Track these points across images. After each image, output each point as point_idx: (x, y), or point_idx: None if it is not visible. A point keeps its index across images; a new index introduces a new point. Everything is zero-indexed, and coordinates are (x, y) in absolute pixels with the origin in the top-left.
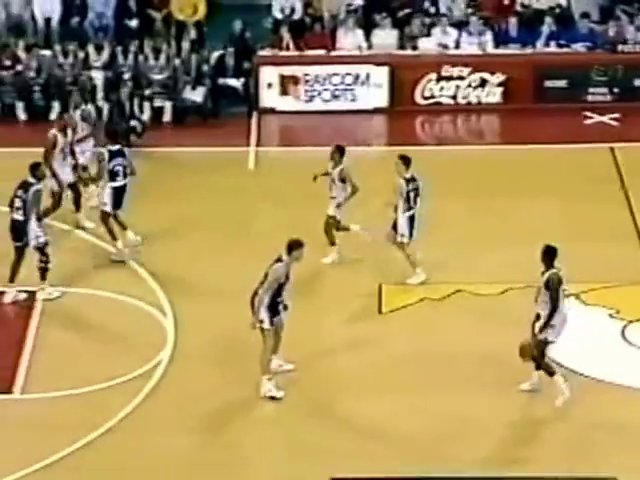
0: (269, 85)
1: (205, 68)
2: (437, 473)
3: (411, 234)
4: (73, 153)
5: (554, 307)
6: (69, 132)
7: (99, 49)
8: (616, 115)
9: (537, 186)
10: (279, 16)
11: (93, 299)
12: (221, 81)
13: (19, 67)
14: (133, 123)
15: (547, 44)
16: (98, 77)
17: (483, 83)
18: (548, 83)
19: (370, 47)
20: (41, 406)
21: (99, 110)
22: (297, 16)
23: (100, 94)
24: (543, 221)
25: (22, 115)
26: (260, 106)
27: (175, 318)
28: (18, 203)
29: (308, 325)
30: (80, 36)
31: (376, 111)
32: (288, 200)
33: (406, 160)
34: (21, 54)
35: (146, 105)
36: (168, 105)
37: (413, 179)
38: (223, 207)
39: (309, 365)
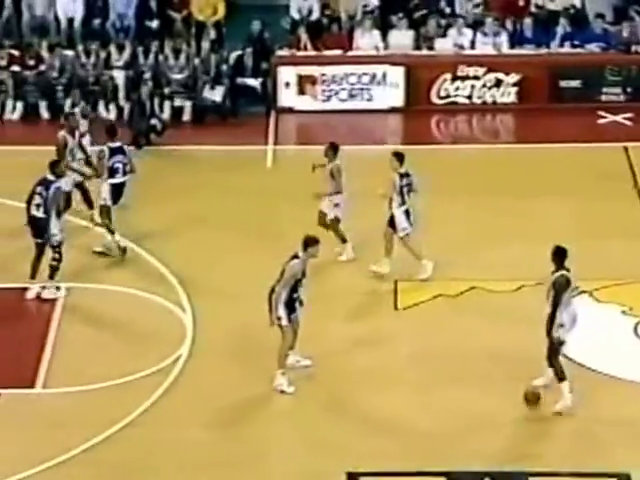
0: (287, 85)
1: (224, 68)
2: (450, 468)
3: (411, 225)
4: (82, 148)
5: (554, 309)
6: (76, 133)
7: (120, 49)
8: (629, 115)
9: (551, 184)
10: (297, 17)
11: (113, 296)
12: (240, 81)
13: (42, 67)
14: (153, 122)
15: (561, 44)
16: (119, 77)
17: (498, 83)
18: (562, 83)
19: (386, 47)
20: (62, 401)
21: (120, 109)
22: (315, 17)
23: (121, 93)
24: (557, 219)
25: (45, 114)
26: (278, 105)
27: (194, 315)
28: (38, 200)
29: (325, 321)
30: (102, 36)
31: (392, 110)
32: (305, 198)
33: (400, 156)
34: (44, 54)
35: (166, 104)
36: (188, 104)
37: (407, 174)
38: (241, 205)
39: (325, 361)
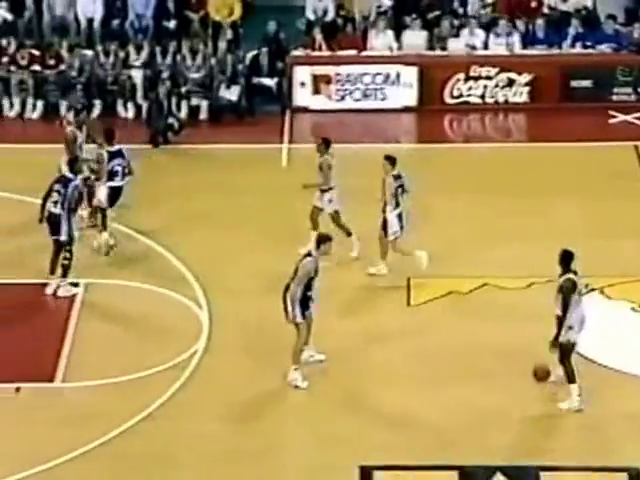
0: (302, 84)
1: (240, 67)
2: (462, 462)
3: (402, 228)
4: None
5: (564, 313)
6: (83, 129)
7: (139, 49)
8: None
9: (563, 183)
10: (312, 17)
11: (131, 292)
12: (255, 80)
13: (62, 66)
14: (171, 121)
15: (573, 45)
16: (137, 76)
17: (510, 83)
18: (574, 83)
19: (400, 48)
20: (81, 395)
21: (138, 108)
22: (329, 17)
23: (139, 92)
24: (568, 217)
25: (65, 113)
26: (293, 105)
27: (210, 311)
28: (55, 197)
29: (338, 317)
30: (121, 36)
31: (405, 110)
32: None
33: (391, 159)
34: (64, 54)
35: (183, 103)
36: (204, 103)
37: (399, 176)
38: (256, 203)
39: (339, 356)
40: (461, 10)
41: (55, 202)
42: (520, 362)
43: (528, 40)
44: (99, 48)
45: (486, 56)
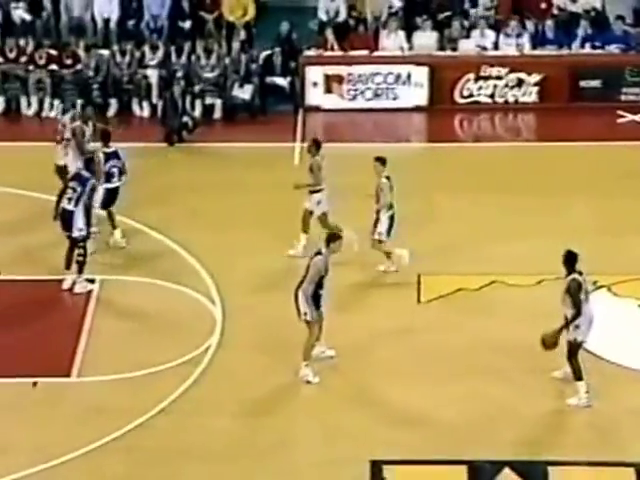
0: (314, 84)
1: (253, 67)
2: (470, 457)
3: (389, 233)
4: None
5: (578, 311)
6: (90, 124)
7: (154, 49)
8: None
9: (572, 182)
10: (324, 18)
11: (145, 288)
12: (269, 80)
13: (79, 66)
14: (185, 119)
15: (582, 46)
16: (153, 75)
17: (520, 83)
18: (583, 83)
19: (411, 48)
20: (96, 389)
21: (153, 107)
22: (341, 18)
23: (154, 92)
24: (577, 215)
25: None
26: (305, 104)
27: (223, 307)
28: (70, 194)
29: (349, 313)
30: (136, 36)
31: (416, 109)
32: (331, 194)
33: (382, 161)
34: (81, 53)
35: (197, 102)
36: (218, 102)
37: (388, 177)
38: (269, 200)
39: (350, 352)
40: (472, 11)
41: (69, 199)
42: (528, 359)
43: (538, 41)
44: (115, 48)
45: (496, 56)
